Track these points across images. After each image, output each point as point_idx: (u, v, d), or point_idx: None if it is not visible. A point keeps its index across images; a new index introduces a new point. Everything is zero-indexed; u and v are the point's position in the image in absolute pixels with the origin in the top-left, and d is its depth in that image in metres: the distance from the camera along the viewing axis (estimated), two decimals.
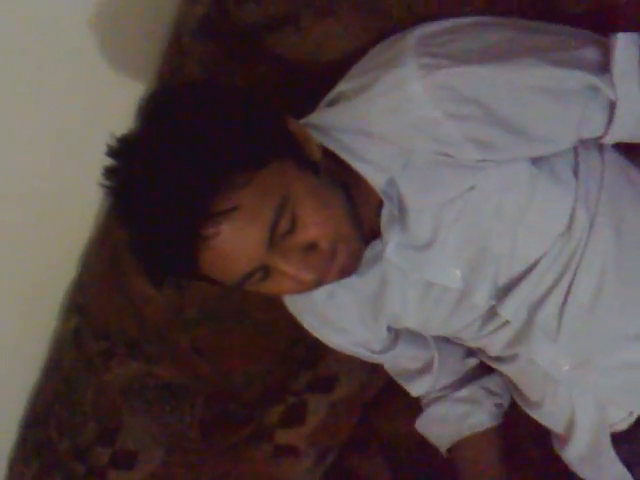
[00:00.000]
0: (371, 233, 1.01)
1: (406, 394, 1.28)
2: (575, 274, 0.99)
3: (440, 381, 1.24)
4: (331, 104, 1.02)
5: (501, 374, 1.18)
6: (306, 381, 1.39)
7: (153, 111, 0.91)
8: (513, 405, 1.24)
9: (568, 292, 0.99)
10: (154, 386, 1.40)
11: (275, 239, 0.88)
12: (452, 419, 1.24)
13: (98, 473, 1.47)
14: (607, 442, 1.05)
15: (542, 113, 0.94)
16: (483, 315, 1.05)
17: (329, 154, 0.97)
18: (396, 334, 1.18)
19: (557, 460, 1.14)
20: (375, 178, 0.97)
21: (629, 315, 0.99)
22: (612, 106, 0.94)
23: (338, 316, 1.13)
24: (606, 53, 0.93)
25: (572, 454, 1.10)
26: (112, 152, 0.90)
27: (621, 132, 0.96)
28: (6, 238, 1.29)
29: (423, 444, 1.31)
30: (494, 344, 1.09)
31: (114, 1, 1.13)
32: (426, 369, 1.22)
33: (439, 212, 0.98)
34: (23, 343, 1.47)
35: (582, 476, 1.11)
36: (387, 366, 1.26)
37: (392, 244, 1.00)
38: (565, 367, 1.02)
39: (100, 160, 0.91)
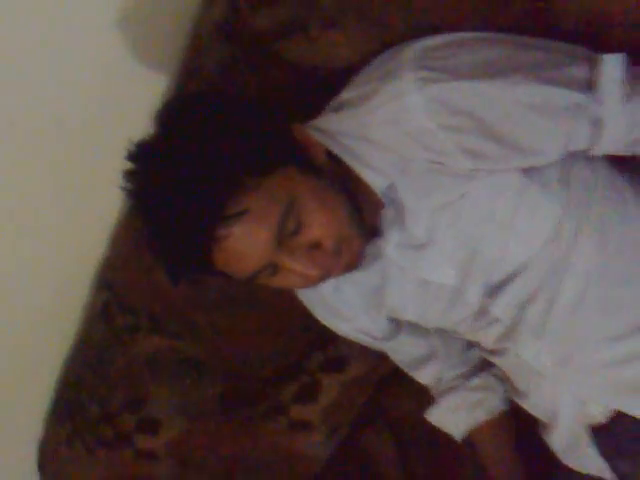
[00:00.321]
0: (373, 231, 1.06)
1: None
2: (561, 278, 1.03)
3: (451, 372, 1.30)
4: (336, 110, 1.07)
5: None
6: (318, 362, 1.45)
7: (169, 119, 0.98)
8: None
9: (554, 294, 1.04)
10: (177, 360, 1.47)
11: (282, 239, 0.95)
12: (467, 407, 1.29)
13: (125, 437, 1.54)
14: (587, 434, 1.10)
15: (532, 127, 0.98)
16: (476, 311, 1.11)
17: (333, 157, 1.03)
18: (398, 324, 1.24)
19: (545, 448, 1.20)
20: (376, 182, 1.03)
21: (610, 318, 1.04)
22: (599, 121, 0.98)
23: (344, 307, 1.20)
24: (593, 71, 0.97)
25: (556, 443, 1.15)
26: (131, 156, 0.97)
27: (607, 146, 1.00)
28: (45, 220, 1.37)
29: (426, 422, 1.36)
30: (486, 338, 1.14)
31: (138, 4, 1.19)
32: (431, 356, 1.28)
33: (435, 216, 1.03)
34: (59, 314, 1.55)
35: (566, 463, 1.16)
36: (395, 356, 1.32)
37: (392, 243, 1.06)
38: (549, 362, 1.07)
39: (122, 151, 0.98)
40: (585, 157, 1.04)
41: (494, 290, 1.07)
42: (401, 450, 1.54)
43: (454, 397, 1.30)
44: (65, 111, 1.24)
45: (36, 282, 1.45)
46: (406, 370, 1.33)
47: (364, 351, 1.37)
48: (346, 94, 1.07)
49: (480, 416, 1.29)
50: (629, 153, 1.03)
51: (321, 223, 0.97)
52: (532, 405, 1.17)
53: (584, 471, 1.14)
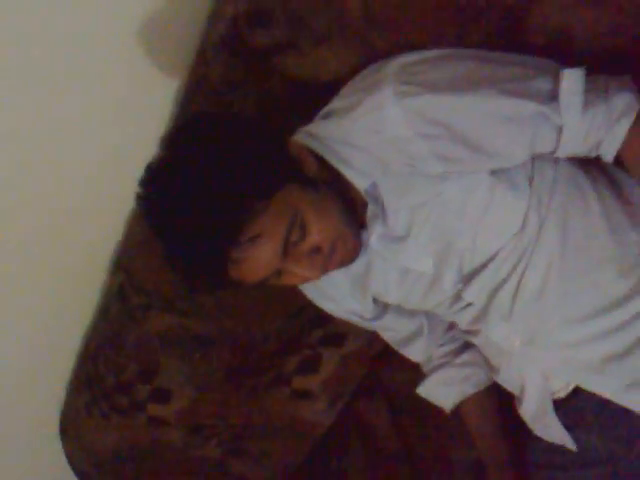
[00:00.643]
0: (360, 225, 1.17)
1: None
2: (526, 267, 1.13)
3: (439, 349, 1.39)
4: (325, 117, 1.17)
5: None
6: (318, 337, 1.54)
7: (179, 145, 1.07)
8: None
9: (520, 281, 1.14)
10: (186, 336, 1.55)
11: (288, 248, 1.06)
12: (457, 381, 1.39)
13: (138, 405, 1.63)
14: (550, 407, 1.20)
15: (499, 134, 1.08)
16: (452, 296, 1.22)
17: (324, 162, 1.13)
18: (384, 305, 1.34)
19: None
20: (360, 182, 1.13)
21: (570, 303, 1.14)
22: (561, 128, 1.07)
23: (334, 291, 1.31)
24: (556, 83, 1.06)
25: (525, 413, 1.26)
26: (143, 182, 1.06)
27: (568, 149, 1.10)
28: (67, 208, 1.47)
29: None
30: (461, 320, 1.25)
31: (149, 18, 1.28)
32: (417, 334, 1.38)
33: (413, 212, 1.14)
34: (80, 292, 1.64)
35: (535, 432, 1.27)
36: (385, 335, 1.42)
37: (375, 235, 1.16)
38: (516, 342, 1.18)
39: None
40: (550, 159, 1.14)
41: (467, 277, 1.18)
42: (395, 418, 1.64)
43: (444, 373, 1.39)
44: (87, 110, 1.34)
45: (59, 265, 1.55)
46: (396, 348, 1.43)
47: (361, 328, 1.45)
48: (334, 104, 1.16)
49: (468, 390, 1.39)
50: (589, 155, 1.12)
51: (320, 229, 1.08)
52: (503, 380, 1.28)
53: (550, 440, 1.24)
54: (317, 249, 1.09)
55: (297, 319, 1.53)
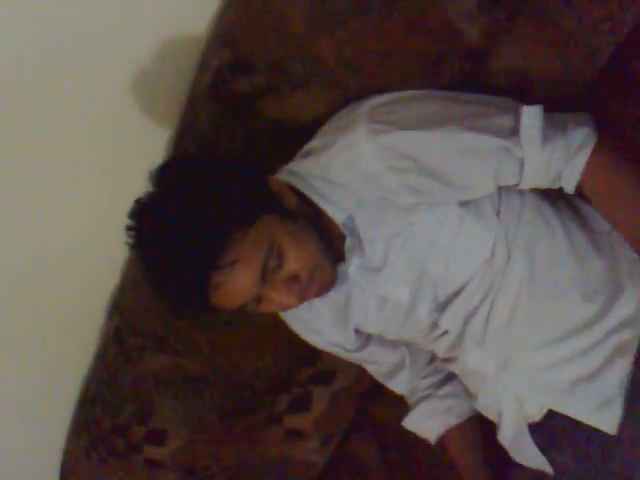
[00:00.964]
0: (339, 257, 1.22)
1: None
2: (496, 294, 1.19)
3: (423, 381, 1.43)
4: (305, 155, 1.24)
5: None
6: (308, 375, 1.58)
7: (166, 181, 1.13)
8: None
9: (491, 308, 1.19)
10: (180, 376, 1.59)
11: (266, 275, 1.11)
12: (440, 412, 1.43)
13: (135, 447, 1.66)
14: (526, 431, 1.24)
15: (464, 168, 1.14)
16: (429, 325, 1.26)
17: (304, 197, 1.19)
18: (367, 337, 1.38)
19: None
20: (336, 215, 1.19)
21: (540, 328, 1.18)
22: (522, 161, 1.13)
23: (317, 322, 1.35)
24: (517, 120, 1.13)
25: (504, 439, 1.29)
26: (132, 214, 1.13)
27: (530, 181, 1.15)
28: (64, 251, 1.52)
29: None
30: (439, 348, 1.30)
31: (146, 70, 1.36)
32: (400, 366, 1.42)
33: (388, 242, 1.19)
34: (77, 337, 1.69)
35: (514, 458, 1.30)
36: (369, 368, 1.46)
37: (353, 266, 1.22)
38: (490, 367, 1.22)
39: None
40: (516, 190, 1.20)
41: (441, 306, 1.23)
42: (385, 455, 1.68)
43: (427, 405, 1.43)
44: (82, 148, 1.42)
45: (57, 310, 1.60)
46: (381, 381, 1.46)
47: (348, 363, 1.48)
48: (313, 143, 1.24)
49: (451, 421, 1.43)
50: (552, 186, 1.18)
51: (297, 258, 1.13)
52: (482, 406, 1.32)
53: (527, 464, 1.28)
54: (295, 277, 1.13)
55: (285, 354, 1.56)
